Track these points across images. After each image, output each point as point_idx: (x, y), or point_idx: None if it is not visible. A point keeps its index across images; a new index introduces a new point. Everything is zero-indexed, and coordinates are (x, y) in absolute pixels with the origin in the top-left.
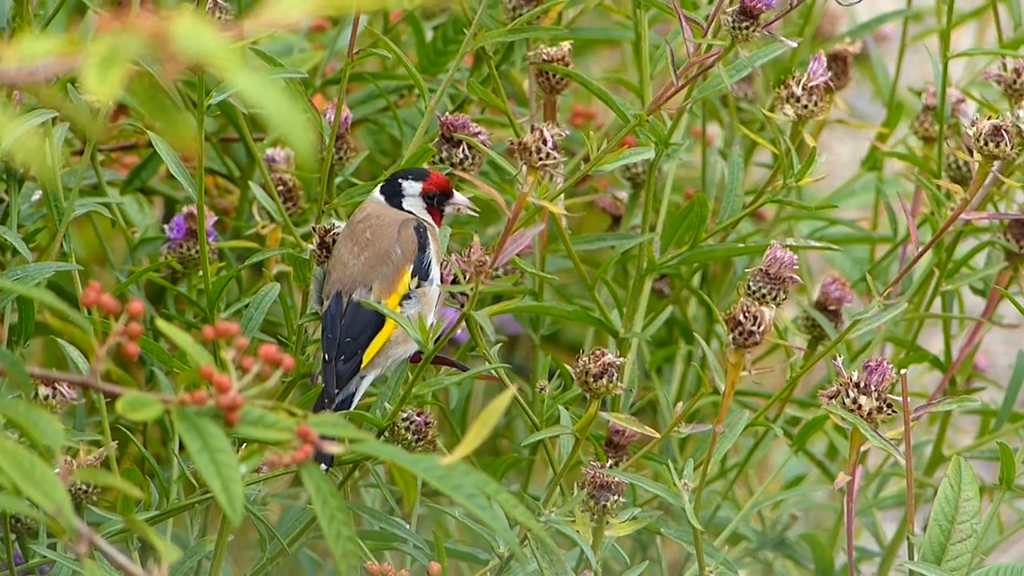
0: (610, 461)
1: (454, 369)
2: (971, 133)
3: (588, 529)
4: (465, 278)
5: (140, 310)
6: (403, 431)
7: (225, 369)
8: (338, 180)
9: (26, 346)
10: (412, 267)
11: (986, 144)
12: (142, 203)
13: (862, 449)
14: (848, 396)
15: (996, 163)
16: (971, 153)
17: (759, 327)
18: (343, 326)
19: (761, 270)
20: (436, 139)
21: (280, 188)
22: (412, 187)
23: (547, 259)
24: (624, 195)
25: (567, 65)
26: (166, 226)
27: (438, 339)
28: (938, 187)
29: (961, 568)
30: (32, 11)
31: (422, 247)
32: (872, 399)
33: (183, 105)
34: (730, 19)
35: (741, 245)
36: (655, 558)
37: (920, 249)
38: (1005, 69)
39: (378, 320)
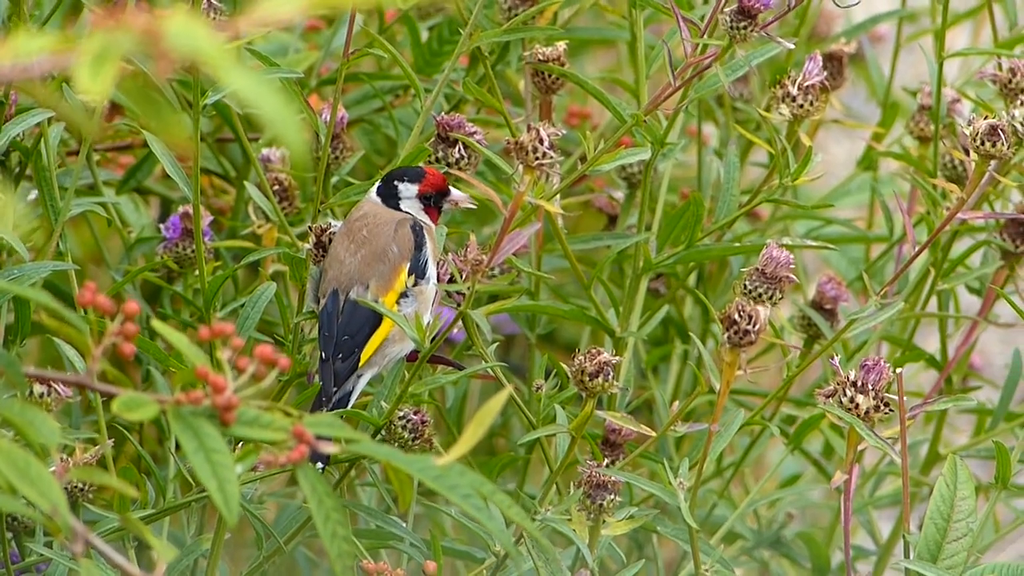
0: (606, 460)
1: (451, 368)
2: (968, 133)
3: (584, 528)
4: (462, 277)
5: (136, 310)
6: (400, 430)
7: (221, 369)
8: (334, 180)
9: (22, 346)
10: (409, 265)
11: (983, 144)
12: (138, 203)
13: (858, 448)
14: (845, 395)
15: (992, 162)
16: (967, 153)
17: (755, 326)
18: (340, 324)
19: (757, 269)
20: (432, 139)
21: (276, 188)
22: (408, 189)
23: (543, 259)
24: (620, 195)
25: (563, 65)
26: (162, 226)
27: (434, 338)
28: (934, 186)
29: (957, 567)
30: (28, 11)
31: (418, 246)
32: (869, 398)
33: (177, 104)
34: (728, 19)
35: (737, 244)
36: (651, 557)
37: (917, 248)
38: (1000, 69)
39: (375, 318)
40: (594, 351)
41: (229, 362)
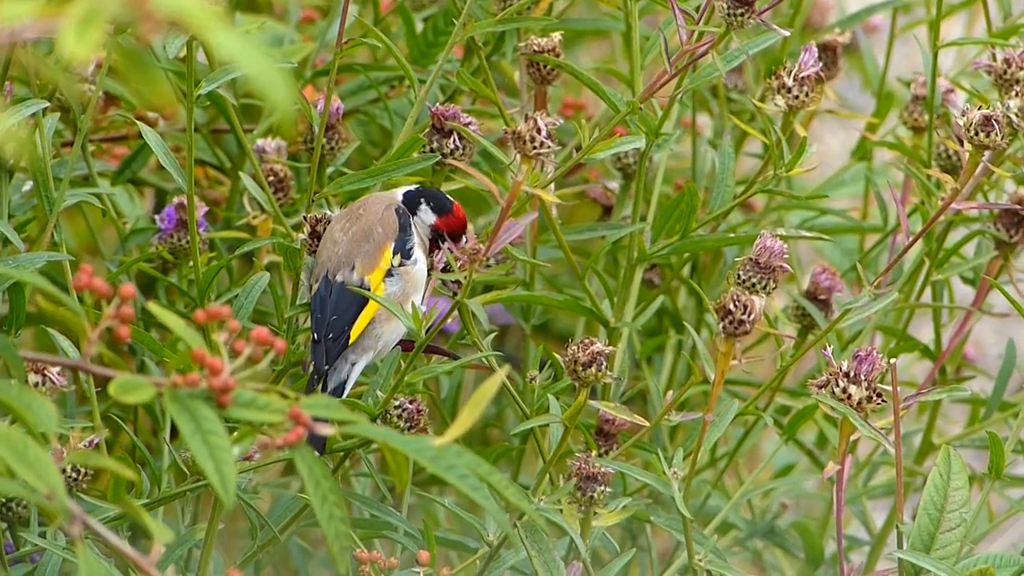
0: (601, 450)
1: (446, 358)
2: (962, 123)
3: (576, 519)
4: (458, 266)
5: (132, 293)
6: (395, 419)
7: (217, 352)
8: (329, 170)
9: (17, 336)
10: (393, 245)
11: (977, 134)
12: (132, 194)
13: (852, 438)
14: (838, 386)
15: (987, 153)
16: (962, 143)
17: (749, 316)
18: (330, 306)
19: (751, 259)
20: (427, 130)
21: (271, 179)
22: (427, 215)
23: (538, 250)
24: (615, 185)
25: (558, 56)
26: (157, 217)
27: (430, 328)
28: (928, 177)
29: (950, 557)
30: None
31: (403, 228)
32: (862, 388)
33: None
34: (725, 6)
35: (731, 235)
36: (645, 547)
37: (911, 238)
38: (995, 59)
39: (363, 298)
40: (587, 341)
41: (225, 344)
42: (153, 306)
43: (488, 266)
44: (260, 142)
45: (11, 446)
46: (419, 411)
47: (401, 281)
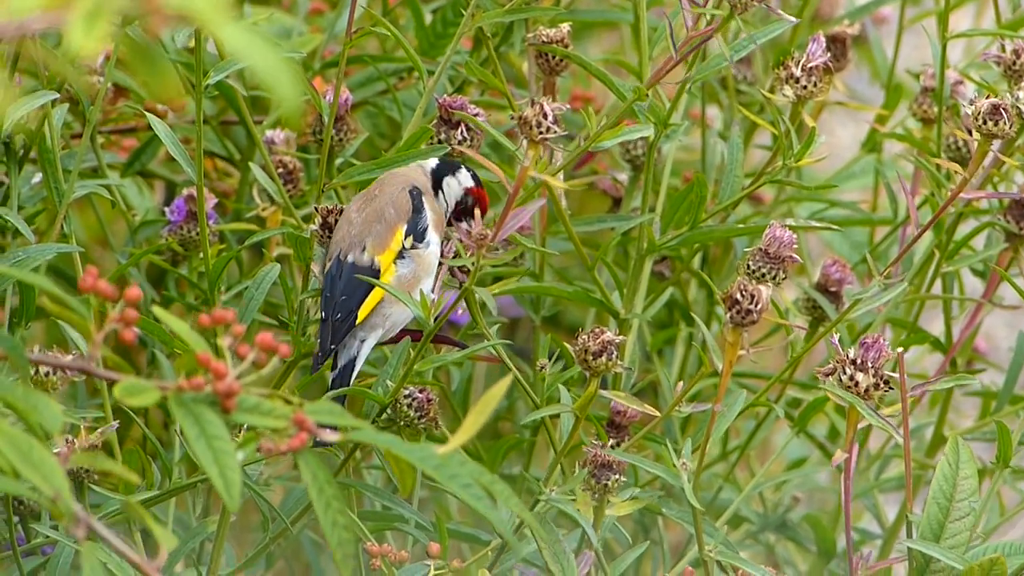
0: (611, 441)
1: (455, 348)
2: (970, 112)
3: (589, 508)
4: (466, 253)
5: (137, 296)
6: (405, 408)
7: (222, 356)
8: (338, 161)
9: (27, 328)
10: (406, 227)
11: (985, 123)
12: (142, 186)
13: (860, 427)
14: (845, 373)
15: (995, 142)
16: (970, 132)
17: (756, 306)
18: (339, 285)
19: (760, 249)
20: (435, 121)
21: (280, 170)
22: (465, 179)
23: (548, 241)
24: (624, 177)
25: (566, 47)
26: (166, 208)
27: (439, 316)
28: (937, 167)
29: (959, 546)
30: None
31: (416, 210)
32: (869, 376)
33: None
34: None
35: (741, 226)
36: (657, 540)
37: (920, 229)
38: (1004, 50)
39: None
40: (597, 331)
41: (230, 349)
42: (159, 310)
43: (496, 251)
44: (269, 133)
45: (16, 447)
46: (429, 400)
47: (413, 264)
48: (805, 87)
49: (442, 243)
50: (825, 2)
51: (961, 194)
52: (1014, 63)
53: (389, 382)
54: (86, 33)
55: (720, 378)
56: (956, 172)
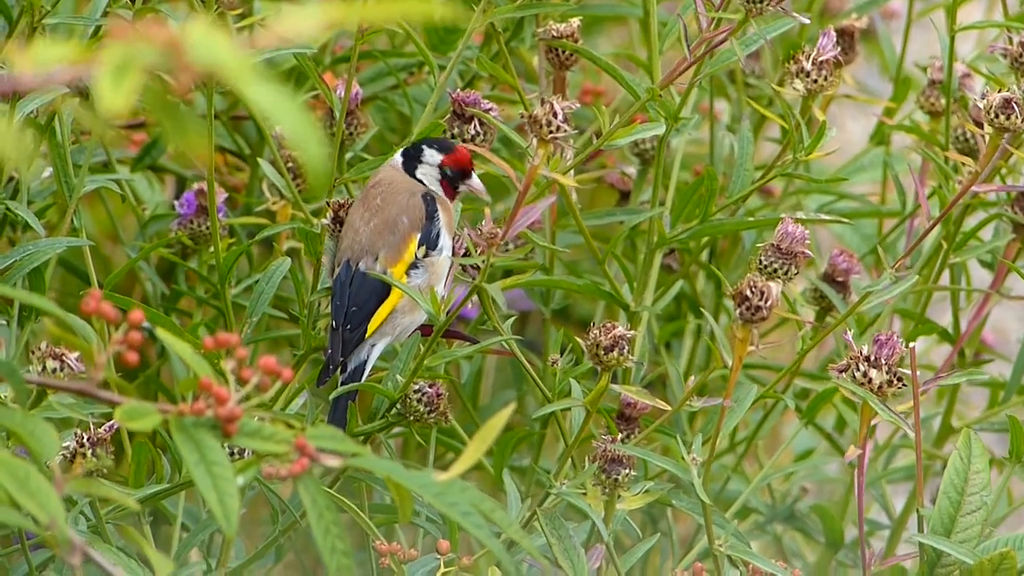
0: (621, 434)
1: (466, 343)
2: (982, 106)
3: (600, 502)
4: (477, 251)
5: (140, 319)
6: (415, 403)
7: (224, 380)
8: (348, 155)
9: (37, 322)
10: (419, 236)
11: (996, 116)
12: (152, 181)
13: (872, 423)
14: (858, 370)
15: (1006, 135)
16: (981, 126)
17: (766, 302)
18: (350, 294)
19: (773, 245)
20: (448, 115)
21: (290, 165)
22: (432, 156)
23: (558, 234)
24: (633, 171)
25: (576, 41)
26: (176, 202)
27: (449, 312)
28: (946, 160)
29: (971, 540)
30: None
31: (430, 216)
32: (882, 372)
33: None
34: None
35: (751, 219)
36: (666, 531)
37: (930, 221)
38: (1011, 43)
39: (383, 289)
40: (609, 325)
41: (233, 373)
42: (161, 332)
43: (506, 250)
44: (278, 128)
45: (12, 474)
46: (439, 395)
47: (426, 273)
48: (816, 81)
49: (454, 240)
50: None
51: (971, 187)
52: (1021, 55)
53: (399, 377)
54: (114, 88)
55: (728, 371)
56: (965, 165)
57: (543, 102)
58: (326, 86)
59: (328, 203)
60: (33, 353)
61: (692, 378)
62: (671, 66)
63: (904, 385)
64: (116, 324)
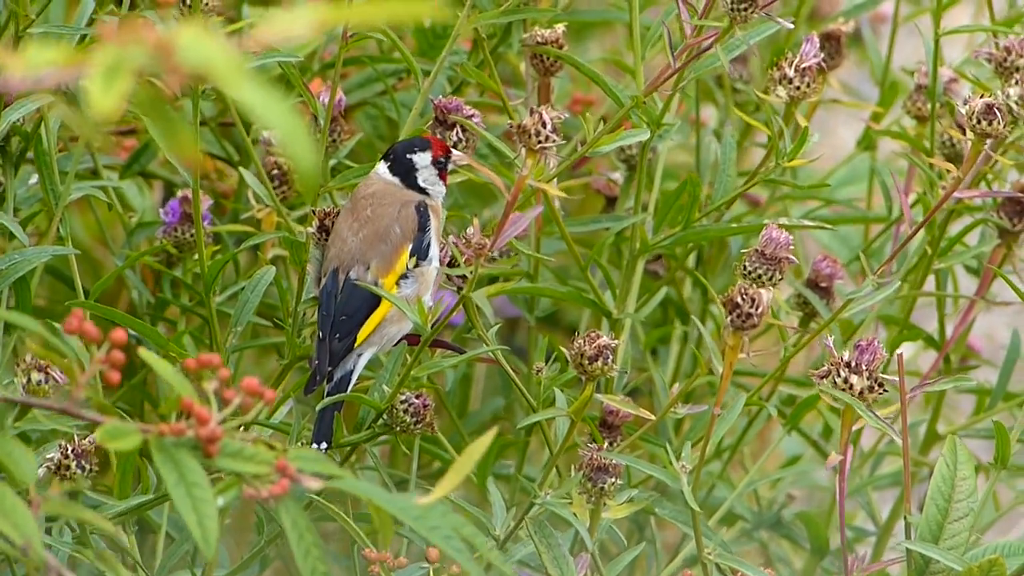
0: (606, 443)
1: (452, 352)
2: (964, 112)
3: (585, 511)
4: (464, 261)
5: (122, 339)
6: (401, 413)
7: (206, 400)
8: (332, 163)
9: (24, 329)
10: (411, 247)
11: (979, 122)
12: (142, 187)
13: (855, 428)
14: (839, 375)
15: (989, 141)
16: (964, 132)
17: (757, 310)
18: (338, 304)
19: (757, 250)
20: (430, 123)
21: (275, 172)
22: (423, 159)
23: (543, 242)
24: (618, 176)
25: (561, 48)
26: (161, 210)
27: (436, 323)
28: (931, 166)
29: (959, 547)
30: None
31: (422, 227)
32: (863, 378)
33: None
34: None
35: (734, 225)
36: (650, 539)
37: (913, 227)
38: (996, 48)
39: (373, 299)
40: (593, 334)
41: (215, 393)
42: (144, 352)
43: (493, 260)
44: (265, 133)
45: None
46: (425, 405)
47: (416, 284)
48: (798, 87)
49: (441, 249)
50: (825, 0)
51: (954, 193)
52: (1005, 60)
53: (385, 387)
54: (105, 91)
55: (716, 377)
56: (948, 171)
57: (532, 112)
58: (310, 93)
59: (313, 211)
60: (19, 365)
61: (676, 385)
62: (657, 71)
63: (885, 391)
64: (98, 343)
